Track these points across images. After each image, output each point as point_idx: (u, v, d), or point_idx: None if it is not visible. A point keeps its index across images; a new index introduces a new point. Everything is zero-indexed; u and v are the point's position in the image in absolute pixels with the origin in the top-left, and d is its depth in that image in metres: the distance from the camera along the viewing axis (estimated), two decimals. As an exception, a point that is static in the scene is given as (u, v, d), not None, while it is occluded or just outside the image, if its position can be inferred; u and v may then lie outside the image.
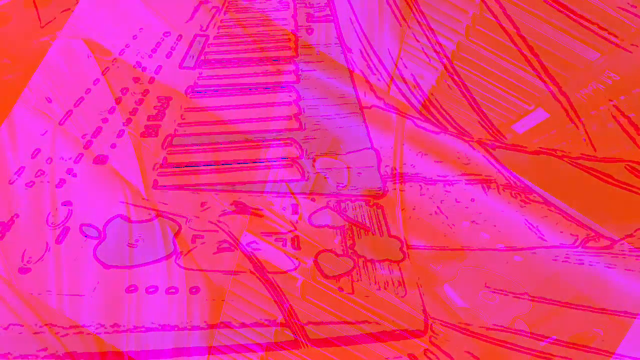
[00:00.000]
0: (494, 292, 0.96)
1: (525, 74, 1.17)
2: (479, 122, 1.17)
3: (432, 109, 1.25)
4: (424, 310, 0.65)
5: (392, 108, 1.34)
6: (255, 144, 0.98)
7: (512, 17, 1.17)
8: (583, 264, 1.01)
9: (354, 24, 1.31)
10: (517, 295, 0.94)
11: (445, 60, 1.18)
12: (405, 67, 1.23)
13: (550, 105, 1.17)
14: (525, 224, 1.18)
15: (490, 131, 1.17)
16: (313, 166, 0.92)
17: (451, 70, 1.18)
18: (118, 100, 1.09)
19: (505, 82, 1.17)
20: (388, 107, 1.36)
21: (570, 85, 1.14)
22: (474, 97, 1.19)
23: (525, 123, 1.18)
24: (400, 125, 1.35)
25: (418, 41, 1.21)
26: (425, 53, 1.20)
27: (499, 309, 0.94)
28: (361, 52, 1.33)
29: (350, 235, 0.75)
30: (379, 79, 1.32)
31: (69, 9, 1.15)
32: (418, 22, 1.22)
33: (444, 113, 1.24)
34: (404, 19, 1.23)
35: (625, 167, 1.09)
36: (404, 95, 1.25)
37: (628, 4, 1.12)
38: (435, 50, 1.20)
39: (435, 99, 1.23)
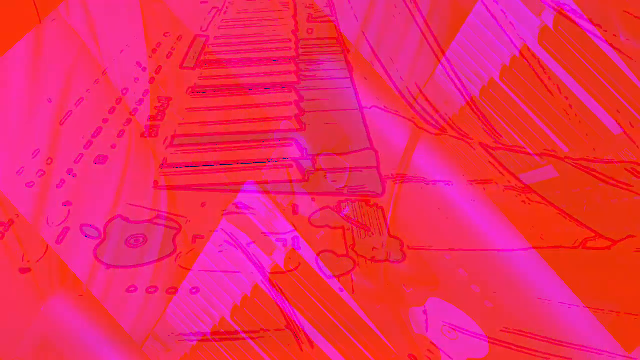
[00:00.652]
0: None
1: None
2: (479, 123, 1.17)
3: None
4: (425, 311, 0.65)
5: (392, 109, 1.34)
6: (255, 144, 0.98)
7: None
8: (583, 264, 1.01)
9: (360, 27, 1.31)
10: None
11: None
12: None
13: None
14: (525, 224, 1.18)
15: (491, 133, 1.17)
16: (313, 166, 0.92)
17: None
18: (118, 100, 1.09)
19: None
20: (388, 108, 1.35)
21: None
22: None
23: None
24: (400, 126, 1.35)
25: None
26: (457, 79, 1.19)
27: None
28: (367, 56, 1.32)
29: (351, 235, 0.75)
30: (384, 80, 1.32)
31: None
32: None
33: (453, 126, 1.24)
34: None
35: (625, 168, 1.09)
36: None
37: None
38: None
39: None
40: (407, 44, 1.27)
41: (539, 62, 1.14)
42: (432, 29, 1.20)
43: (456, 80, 1.18)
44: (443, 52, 1.20)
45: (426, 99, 1.25)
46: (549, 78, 1.13)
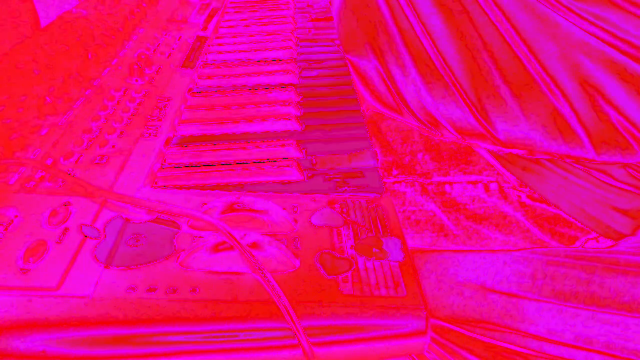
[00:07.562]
0: None
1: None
2: (480, 125, 1.17)
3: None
4: (425, 310, 0.65)
5: (392, 110, 1.34)
6: (255, 144, 0.98)
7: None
8: (584, 264, 1.01)
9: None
10: None
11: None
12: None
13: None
14: (526, 225, 1.18)
15: (492, 134, 1.16)
16: (313, 166, 0.92)
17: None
18: (118, 101, 1.09)
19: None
20: (388, 108, 1.35)
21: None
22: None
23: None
24: (400, 126, 1.35)
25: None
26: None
27: None
28: (367, 58, 1.32)
29: (350, 235, 0.75)
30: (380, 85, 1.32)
31: None
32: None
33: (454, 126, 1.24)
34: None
35: (625, 169, 1.09)
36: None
37: None
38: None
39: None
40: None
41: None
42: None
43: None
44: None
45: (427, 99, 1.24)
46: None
